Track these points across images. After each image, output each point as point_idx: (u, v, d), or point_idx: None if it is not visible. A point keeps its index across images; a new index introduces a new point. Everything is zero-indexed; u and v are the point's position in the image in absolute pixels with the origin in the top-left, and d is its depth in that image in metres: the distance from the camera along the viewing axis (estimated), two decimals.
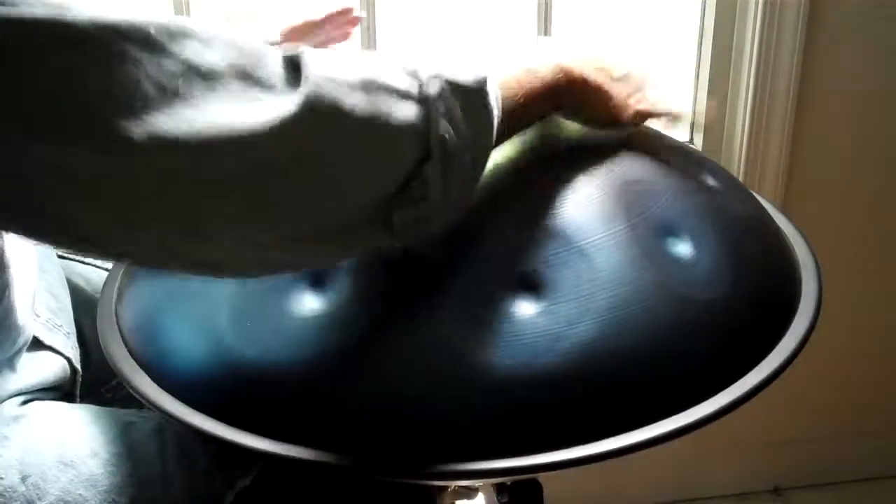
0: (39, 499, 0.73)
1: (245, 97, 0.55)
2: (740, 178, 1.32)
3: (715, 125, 1.47)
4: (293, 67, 0.58)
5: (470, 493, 0.91)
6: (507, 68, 0.69)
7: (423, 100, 0.60)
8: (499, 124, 0.65)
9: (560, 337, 0.66)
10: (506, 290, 0.67)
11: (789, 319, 0.75)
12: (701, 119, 1.47)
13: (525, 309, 0.67)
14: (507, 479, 0.92)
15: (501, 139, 0.68)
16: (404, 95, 0.59)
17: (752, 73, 1.41)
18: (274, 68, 0.57)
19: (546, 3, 1.37)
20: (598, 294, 0.68)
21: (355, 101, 0.57)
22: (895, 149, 1.52)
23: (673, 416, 0.66)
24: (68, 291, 0.91)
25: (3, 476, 0.73)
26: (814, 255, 0.83)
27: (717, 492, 1.72)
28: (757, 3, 1.38)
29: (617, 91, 0.77)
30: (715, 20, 1.42)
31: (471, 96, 0.62)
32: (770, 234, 0.84)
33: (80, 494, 0.73)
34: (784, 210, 0.91)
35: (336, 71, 0.58)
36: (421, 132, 0.59)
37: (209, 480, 0.78)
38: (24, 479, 0.73)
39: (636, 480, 1.62)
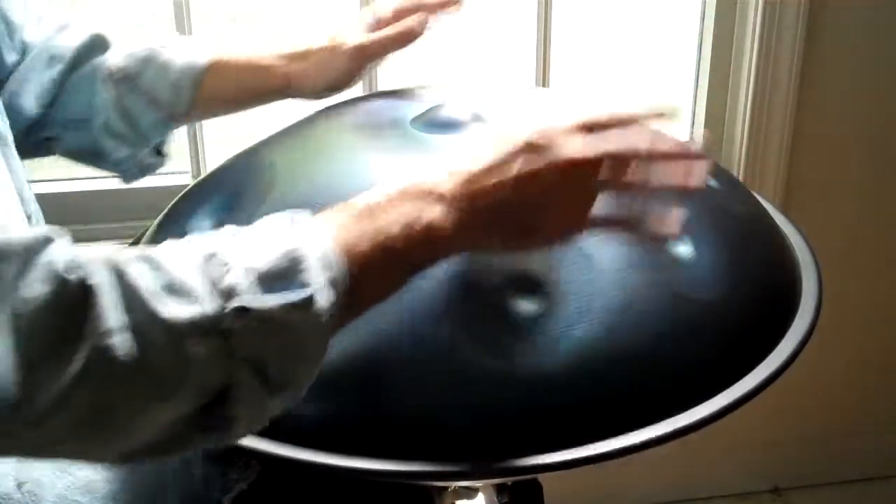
0: None
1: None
2: (740, 178, 1.32)
3: (715, 126, 1.47)
4: (69, 315, 0.50)
5: (470, 493, 0.91)
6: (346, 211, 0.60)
7: (223, 333, 0.53)
8: (349, 308, 0.58)
9: (560, 337, 0.66)
10: (506, 290, 0.67)
11: (789, 319, 0.75)
12: (701, 118, 1.48)
13: (526, 309, 0.67)
14: (507, 479, 0.92)
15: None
16: (202, 330, 0.52)
17: (752, 73, 1.41)
18: (57, 320, 0.50)
19: (546, 3, 1.36)
20: (598, 294, 0.68)
21: (140, 343, 0.50)
22: (895, 148, 1.51)
23: (673, 416, 0.66)
24: None
25: None
26: (814, 255, 0.83)
27: (717, 492, 1.72)
28: (757, 3, 1.38)
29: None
30: (715, 20, 1.42)
31: (282, 326, 0.54)
32: (770, 234, 0.84)
33: (76, 501, 0.73)
34: (784, 210, 0.91)
35: (118, 309, 0.50)
36: (219, 368, 0.53)
37: (206, 486, 0.77)
38: (19, 486, 0.73)
39: (636, 480, 1.62)
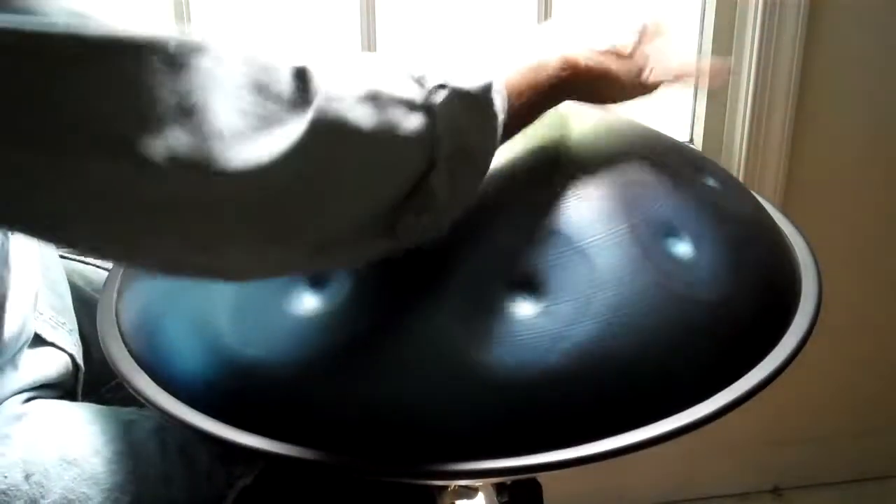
0: (43, 497, 0.73)
1: (260, 114, 0.55)
2: (740, 178, 1.32)
3: (715, 126, 1.47)
4: (301, 82, 0.57)
5: (470, 493, 0.91)
6: (512, 65, 0.69)
7: (428, 109, 0.60)
8: (504, 126, 0.65)
9: (560, 337, 0.66)
10: (505, 290, 0.67)
11: (789, 319, 0.75)
12: (701, 118, 1.48)
13: (525, 309, 0.67)
14: (507, 479, 0.92)
15: (506, 138, 0.68)
16: (410, 105, 0.59)
17: (752, 73, 1.41)
18: (285, 84, 0.57)
19: (546, 3, 1.37)
20: (598, 294, 0.68)
21: (361, 116, 0.57)
22: (894, 149, 1.52)
23: (673, 416, 0.66)
24: (69, 290, 0.91)
25: (6, 475, 0.73)
26: (814, 255, 0.83)
27: (717, 492, 1.72)
28: (757, 3, 1.38)
29: (626, 71, 0.77)
30: (715, 20, 1.42)
31: (476, 104, 0.62)
32: (770, 234, 0.84)
33: (83, 492, 0.74)
34: (784, 210, 0.91)
35: (342, 85, 0.58)
36: (427, 143, 0.60)
37: (210, 479, 0.78)
38: (27, 477, 0.73)
39: (636, 480, 1.62)
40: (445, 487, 0.88)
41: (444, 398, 0.65)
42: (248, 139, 0.54)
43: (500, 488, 0.93)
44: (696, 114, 1.49)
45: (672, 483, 1.68)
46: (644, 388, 0.67)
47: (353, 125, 0.57)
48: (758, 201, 0.88)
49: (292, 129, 0.55)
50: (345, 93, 0.57)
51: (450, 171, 0.61)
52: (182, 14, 1.29)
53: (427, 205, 0.61)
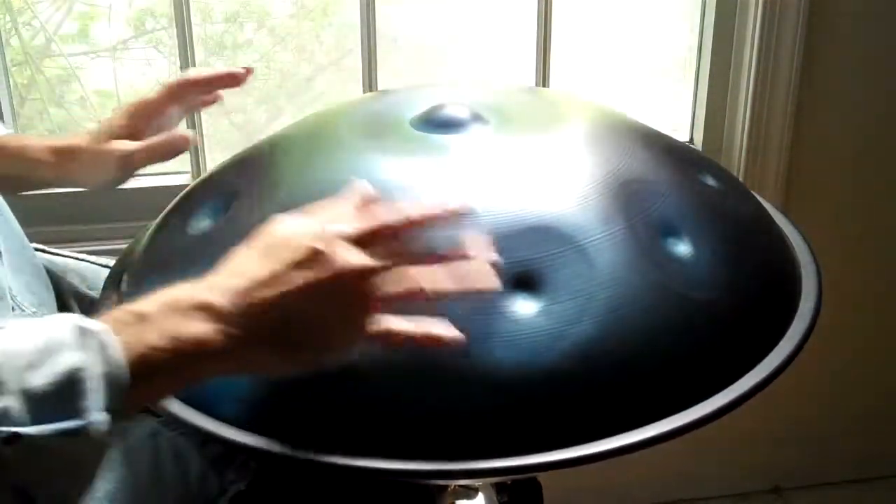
0: None
1: None
2: (740, 178, 1.32)
3: (715, 126, 1.47)
4: None
5: (470, 493, 0.91)
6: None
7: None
8: (118, 419, 0.55)
9: (559, 336, 0.66)
10: (505, 289, 0.67)
11: (789, 319, 0.75)
12: (701, 118, 1.48)
13: (524, 308, 0.67)
14: (507, 479, 0.92)
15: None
16: None
17: (752, 73, 1.41)
18: None
19: (546, 3, 1.37)
20: (598, 294, 0.68)
21: None
22: (894, 149, 1.52)
23: (673, 416, 0.66)
24: (49, 287, 0.90)
25: None
26: (814, 255, 0.83)
27: (717, 492, 1.72)
28: (757, 3, 1.38)
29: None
30: (715, 20, 1.42)
31: (52, 447, 0.52)
32: (770, 234, 0.84)
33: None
34: (784, 210, 0.91)
35: None
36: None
37: (203, 485, 0.78)
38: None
39: (636, 480, 1.62)
40: (445, 487, 0.88)
41: (445, 398, 0.65)
42: None
43: (500, 488, 0.93)
44: (696, 114, 1.49)
45: (672, 483, 1.68)
46: (644, 388, 0.67)
47: None
48: (758, 201, 0.88)
49: None
50: None
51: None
52: (182, 14, 1.29)
53: None
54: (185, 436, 0.79)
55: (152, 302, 0.58)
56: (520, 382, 0.65)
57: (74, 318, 0.55)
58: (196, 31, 1.34)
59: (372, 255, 0.61)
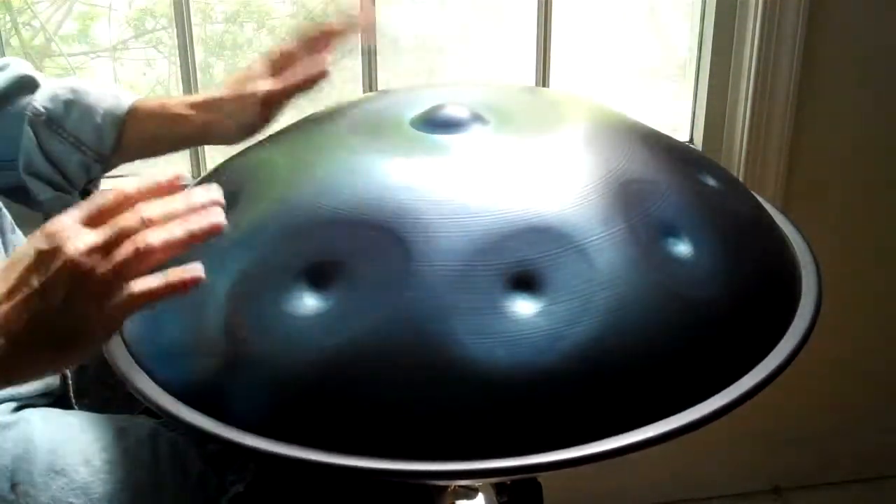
0: None
1: None
2: (740, 178, 1.32)
3: (715, 126, 1.47)
4: None
5: (470, 493, 0.91)
6: None
7: None
8: None
9: (559, 337, 0.66)
10: (505, 289, 0.67)
11: (789, 319, 0.75)
12: (701, 118, 1.48)
13: (524, 308, 0.67)
14: (507, 479, 0.92)
15: None
16: None
17: (752, 73, 1.41)
18: None
19: (546, 3, 1.37)
20: (598, 294, 0.68)
21: None
22: (894, 149, 1.52)
23: (672, 416, 0.66)
24: None
25: None
26: (814, 255, 0.83)
27: (717, 492, 1.72)
28: (757, 4, 1.38)
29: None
30: (715, 20, 1.42)
31: None
32: (770, 234, 0.84)
33: (70, 502, 0.73)
34: (784, 210, 0.91)
35: None
36: None
37: (202, 487, 0.77)
38: (13, 486, 0.73)
39: (636, 480, 1.62)
40: (445, 487, 0.88)
41: (444, 398, 0.65)
42: None
43: (500, 488, 0.93)
44: (696, 114, 1.49)
45: (672, 483, 1.68)
46: (644, 388, 0.67)
47: None
48: (758, 201, 0.88)
49: None
50: None
51: None
52: (182, 14, 1.29)
53: None
54: (184, 436, 0.79)
55: None
56: (520, 382, 0.65)
57: None
58: (196, 31, 1.34)
59: (99, 233, 0.62)
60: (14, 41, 1.45)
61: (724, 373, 0.69)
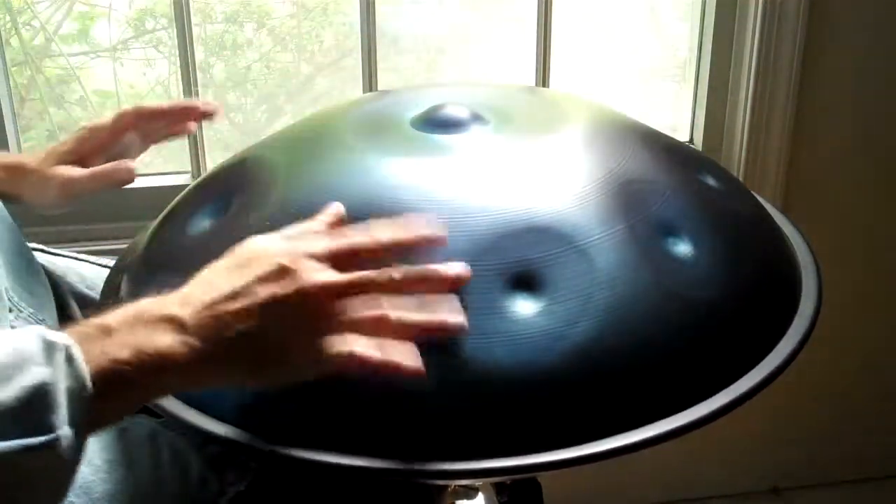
0: None
1: None
2: (740, 178, 1.32)
3: (715, 126, 1.47)
4: None
5: (470, 493, 0.91)
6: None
7: None
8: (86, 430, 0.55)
9: (559, 337, 0.66)
10: (505, 289, 0.67)
11: (789, 319, 0.75)
12: (701, 118, 1.48)
13: (524, 308, 0.67)
14: (506, 479, 0.92)
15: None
16: None
17: (752, 73, 1.41)
18: None
19: (546, 3, 1.37)
20: (598, 294, 0.68)
21: None
22: (894, 149, 1.52)
23: (672, 416, 0.66)
24: (48, 288, 0.90)
25: None
26: (814, 255, 0.83)
27: (717, 492, 1.72)
28: (757, 3, 1.38)
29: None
30: (715, 20, 1.42)
31: (16, 462, 0.52)
32: (770, 234, 0.84)
33: (71, 502, 0.73)
34: (784, 210, 0.91)
35: None
36: None
37: (203, 486, 0.77)
38: None
39: (636, 480, 1.62)
40: (445, 487, 0.88)
41: (444, 398, 0.65)
42: None
43: (499, 488, 0.93)
44: (696, 114, 1.49)
45: (672, 483, 1.68)
46: (643, 388, 0.67)
47: None
48: (758, 201, 0.88)
49: None
50: None
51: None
52: (182, 14, 1.29)
53: None
54: (184, 436, 0.79)
55: (118, 315, 0.58)
56: (520, 382, 0.65)
57: (40, 331, 0.55)
58: (196, 31, 1.34)
59: (344, 276, 0.61)
60: (14, 41, 1.45)
61: (723, 373, 0.70)
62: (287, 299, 0.59)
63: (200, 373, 0.59)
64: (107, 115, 0.95)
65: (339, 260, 0.62)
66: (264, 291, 0.59)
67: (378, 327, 0.61)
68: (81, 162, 0.93)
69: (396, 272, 0.62)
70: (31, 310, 0.85)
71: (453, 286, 0.64)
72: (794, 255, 0.83)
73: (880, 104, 1.48)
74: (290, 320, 0.59)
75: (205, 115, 0.98)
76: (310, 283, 0.59)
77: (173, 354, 0.57)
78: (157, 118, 0.96)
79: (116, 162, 0.92)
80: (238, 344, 0.59)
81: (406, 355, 0.61)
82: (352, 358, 0.60)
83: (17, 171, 0.93)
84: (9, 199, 0.92)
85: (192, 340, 0.58)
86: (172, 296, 0.60)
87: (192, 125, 0.98)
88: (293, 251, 0.60)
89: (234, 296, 0.59)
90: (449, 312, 0.63)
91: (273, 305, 0.59)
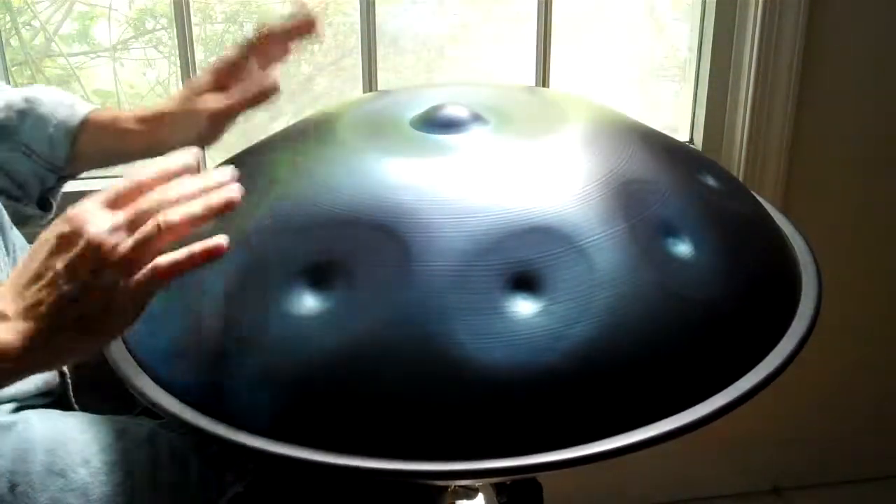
0: None
1: None
2: (740, 178, 1.32)
3: (715, 126, 1.47)
4: None
5: (470, 493, 0.91)
6: None
7: None
8: None
9: (559, 336, 0.66)
10: (505, 289, 0.67)
11: (789, 319, 0.75)
12: (701, 118, 1.48)
13: (524, 308, 0.67)
14: (507, 479, 0.92)
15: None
16: None
17: (752, 73, 1.41)
18: None
19: (546, 3, 1.37)
20: (598, 294, 0.68)
21: None
22: (894, 149, 1.52)
23: (672, 416, 0.66)
24: None
25: None
26: (814, 255, 0.83)
27: (717, 492, 1.72)
28: (757, 3, 1.38)
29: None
30: (715, 20, 1.42)
31: None
32: (770, 234, 0.84)
33: (69, 503, 0.73)
34: (784, 210, 0.91)
35: None
36: None
37: (201, 487, 0.77)
38: (12, 488, 0.73)
39: (636, 480, 1.62)
40: (445, 487, 0.88)
41: (444, 398, 0.65)
42: None
43: (500, 488, 0.94)
44: (696, 114, 1.49)
45: (672, 483, 1.68)
46: (643, 388, 0.67)
47: None
48: (758, 201, 0.88)
49: None
50: None
51: None
52: (182, 14, 1.29)
53: None
54: (183, 437, 0.79)
55: None
56: (520, 382, 0.65)
57: None
58: (196, 31, 1.34)
59: (119, 215, 0.63)
60: (14, 41, 1.45)
61: (723, 373, 0.70)
62: (83, 256, 0.61)
63: (40, 352, 0.62)
64: (232, 46, 0.96)
65: (113, 206, 0.64)
66: (60, 262, 0.62)
67: (169, 233, 0.63)
68: (222, 91, 0.94)
69: (170, 192, 0.64)
70: None
71: (227, 208, 0.65)
72: (794, 255, 0.83)
73: (880, 104, 1.48)
74: (94, 274, 0.61)
75: (313, 28, 0.96)
76: (93, 232, 0.61)
77: (5, 346, 0.61)
78: (278, 38, 0.96)
79: (258, 78, 0.94)
80: (59, 316, 0.62)
81: (204, 244, 0.63)
82: (159, 272, 0.62)
83: (159, 119, 0.94)
84: (154, 151, 0.93)
85: (18, 325, 0.61)
86: None
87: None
88: (70, 218, 0.63)
89: (35, 276, 0.63)
90: (225, 192, 0.64)
91: (72, 269, 0.61)
